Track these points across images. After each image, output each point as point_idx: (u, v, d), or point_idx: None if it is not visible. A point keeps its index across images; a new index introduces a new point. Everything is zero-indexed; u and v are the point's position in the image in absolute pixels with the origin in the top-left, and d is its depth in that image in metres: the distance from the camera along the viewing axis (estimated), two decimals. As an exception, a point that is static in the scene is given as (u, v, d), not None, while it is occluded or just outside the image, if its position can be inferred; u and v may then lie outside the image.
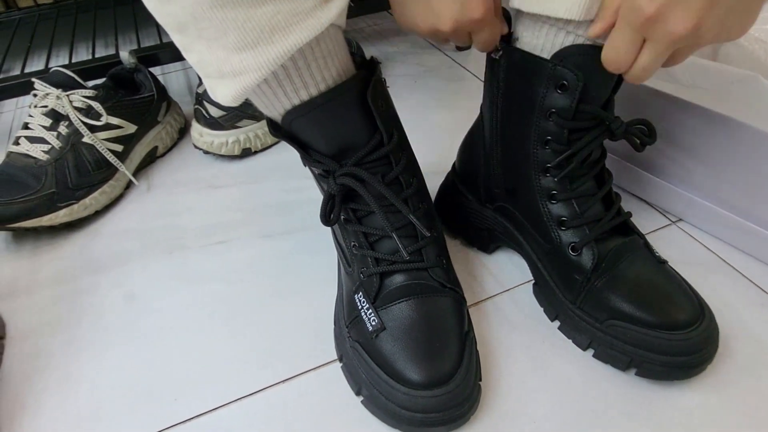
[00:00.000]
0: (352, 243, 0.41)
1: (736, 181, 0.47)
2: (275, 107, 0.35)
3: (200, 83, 0.65)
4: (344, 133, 0.37)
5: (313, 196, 0.56)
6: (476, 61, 0.85)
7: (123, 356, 0.45)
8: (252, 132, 0.65)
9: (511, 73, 0.40)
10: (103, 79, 0.66)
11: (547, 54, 0.37)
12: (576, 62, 0.36)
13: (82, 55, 0.84)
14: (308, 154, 0.38)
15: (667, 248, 0.49)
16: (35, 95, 0.59)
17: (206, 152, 0.65)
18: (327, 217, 0.39)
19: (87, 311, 0.49)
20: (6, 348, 0.47)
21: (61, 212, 0.56)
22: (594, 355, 0.41)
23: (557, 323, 0.43)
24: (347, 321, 0.41)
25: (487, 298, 0.47)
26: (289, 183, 0.62)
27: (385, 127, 0.37)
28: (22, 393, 0.43)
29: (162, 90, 0.68)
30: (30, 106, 0.59)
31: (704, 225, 0.51)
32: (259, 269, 0.51)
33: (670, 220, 0.53)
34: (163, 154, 0.68)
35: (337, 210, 0.39)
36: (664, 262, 0.41)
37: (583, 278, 0.40)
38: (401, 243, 0.39)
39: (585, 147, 0.39)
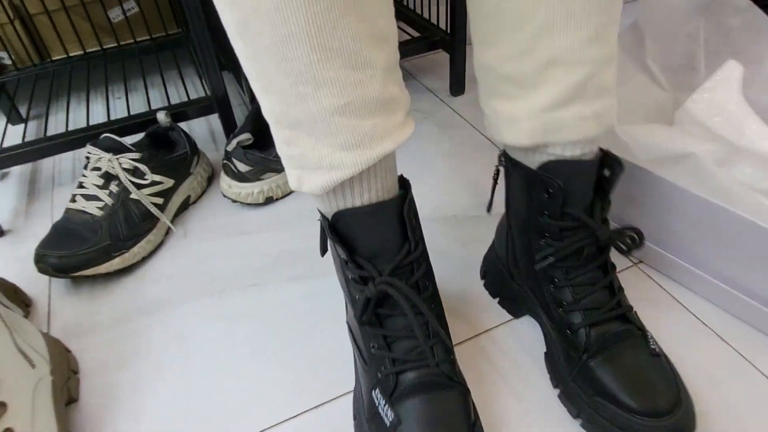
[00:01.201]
0: (372, 344, 0.46)
1: (684, 233, 0.57)
2: (336, 203, 0.42)
3: (228, 142, 0.74)
4: (380, 238, 0.43)
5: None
6: (468, 106, 0.94)
7: (178, 388, 0.54)
8: (274, 183, 0.74)
9: (514, 178, 0.49)
10: (141, 135, 0.75)
11: (536, 165, 0.46)
12: (557, 172, 0.44)
13: (118, 104, 0.92)
14: (350, 255, 0.43)
15: (628, 285, 0.59)
16: (88, 158, 0.68)
17: (234, 201, 0.75)
18: (361, 318, 0.45)
19: (144, 350, 0.58)
20: (81, 381, 0.56)
21: (115, 261, 0.65)
22: (581, 425, 0.48)
23: (558, 391, 0.50)
24: (368, 416, 0.46)
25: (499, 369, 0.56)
26: (308, 230, 0.71)
27: (413, 238, 0.44)
28: (99, 421, 0.52)
29: (193, 145, 0.77)
30: (84, 168, 0.68)
31: (659, 267, 0.61)
32: (289, 310, 0.61)
33: (633, 262, 0.63)
34: (195, 202, 0.78)
35: (369, 312, 0.45)
36: (658, 355, 0.47)
37: (576, 355, 0.47)
38: (432, 344, 0.44)
39: (572, 245, 0.46)
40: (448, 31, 0.92)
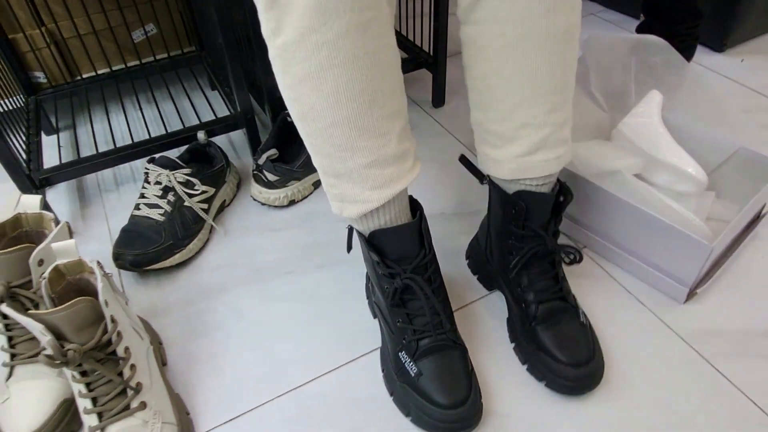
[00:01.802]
0: (397, 320, 0.64)
1: (614, 225, 0.77)
2: (369, 224, 0.60)
3: (259, 156, 0.90)
4: (403, 247, 0.61)
5: (344, 236, 0.83)
6: (448, 117, 1.12)
7: (242, 351, 0.72)
8: (296, 188, 0.91)
9: (494, 196, 0.68)
10: (182, 150, 0.91)
11: (511, 191, 0.64)
12: (522, 198, 0.63)
13: (151, 113, 1.04)
14: (382, 260, 0.61)
15: (577, 267, 0.80)
16: (147, 173, 0.83)
17: (263, 204, 0.91)
18: (390, 302, 0.63)
19: (211, 324, 0.75)
20: (166, 350, 0.73)
21: (176, 256, 0.81)
22: (527, 369, 0.67)
23: (513, 345, 0.70)
24: (395, 370, 0.64)
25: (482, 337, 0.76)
26: (325, 226, 0.89)
27: (427, 245, 0.63)
28: (187, 379, 0.69)
29: (226, 157, 0.93)
30: (145, 182, 0.83)
31: (598, 251, 0.82)
32: (319, 291, 0.79)
33: (579, 248, 0.83)
34: (228, 205, 0.94)
35: (396, 298, 0.63)
36: (584, 325, 0.66)
37: (527, 322, 0.67)
38: (440, 319, 0.63)
39: (530, 250, 0.65)
40: (431, 53, 1.09)
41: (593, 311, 0.74)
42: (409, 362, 0.63)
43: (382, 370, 0.68)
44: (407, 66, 1.11)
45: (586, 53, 0.89)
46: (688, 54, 1.03)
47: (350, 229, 0.65)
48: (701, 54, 1.27)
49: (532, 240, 0.66)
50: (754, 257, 0.80)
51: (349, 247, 0.67)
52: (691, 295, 0.74)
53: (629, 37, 0.89)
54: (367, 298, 0.76)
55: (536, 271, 0.67)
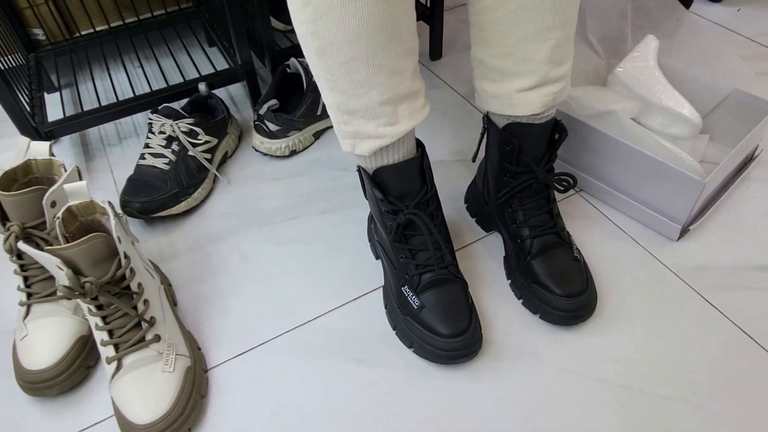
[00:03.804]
0: (400, 256, 0.66)
1: (609, 167, 0.79)
2: (376, 162, 0.62)
3: (260, 106, 0.91)
4: (406, 183, 0.63)
5: (346, 183, 0.85)
6: (445, 69, 1.13)
7: (250, 291, 0.74)
8: (297, 138, 0.93)
9: (490, 135, 0.70)
10: (184, 102, 0.92)
11: (501, 125, 0.67)
12: (513, 132, 0.65)
13: (153, 68, 1.05)
14: (385, 197, 0.63)
15: (572, 206, 0.82)
16: (150, 123, 0.84)
17: (264, 154, 0.93)
18: (394, 238, 0.66)
19: (218, 267, 0.78)
20: (175, 292, 0.75)
21: (182, 204, 0.83)
22: (522, 303, 0.70)
23: (509, 281, 0.73)
24: (398, 304, 0.67)
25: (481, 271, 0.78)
26: (327, 174, 0.91)
27: (429, 182, 0.64)
28: (197, 318, 0.72)
29: (227, 109, 0.94)
30: (149, 132, 0.85)
31: (593, 192, 0.84)
32: (322, 235, 0.81)
33: (575, 190, 0.85)
34: (231, 156, 0.95)
35: (399, 233, 0.65)
36: (578, 260, 0.68)
37: (522, 257, 0.70)
38: (441, 254, 0.65)
39: (522, 183, 0.68)
40: (428, 5, 1.09)
41: (588, 250, 0.76)
42: (412, 296, 0.66)
43: (385, 306, 0.71)
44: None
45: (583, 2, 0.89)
46: (686, 2, 1.03)
47: (359, 171, 0.67)
48: (698, 4, 1.27)
49: (526, 175, 0.68)
50: (744, 196, 0.83)
51: (366, 192, 0.69)
52: (683, 232, 0.76)
53: (626, -17, 0.89)
54: (369, 240, 0.78)
55: (531, 207, 0.69)
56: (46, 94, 1.10)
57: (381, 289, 0.73)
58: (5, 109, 0.85)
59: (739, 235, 0.77)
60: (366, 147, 0.60)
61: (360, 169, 0.66)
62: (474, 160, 0.78)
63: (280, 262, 0.78)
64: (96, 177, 0.94)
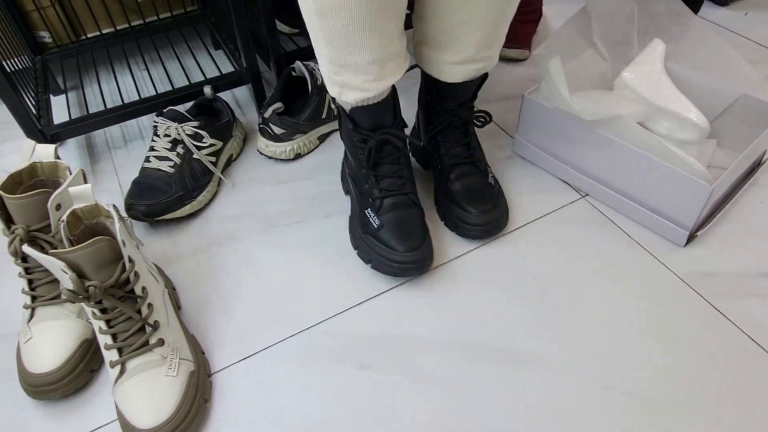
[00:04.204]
0: (367, 182, 0.74)
1: (618, 173, 0.78)
2: (351, 102, 0.67)
3: (265, 109, 0.91)
4: (380, 118, 0.71)
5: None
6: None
7: (253, 296, 0.74)
8: (302, 141, 0.93)
9: (421, 80, 0.80)
10: (189, 105, 0.92)
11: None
12: (438, 83, 0.74)
13: (159, 71, 1.05)
14: (356, 128, 0.71)
15: (579, 213, 0.81)
16: (155, 126, 0.85)
17: (269, 157, 0.93)
18: (366, 164, 0.73)
19: (222, 271, 0.78)
20: (179, 295, 0.75)
21: (186, 207, 0.83)
22: (445, 224, 0.80)
23: (436, 207, 0.83)
24: (360, 225, 0.75)
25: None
26: (331, 177, 0.90)
27: (399, 115, 0.73)
28: (201, 322, 0.72)
29: (232, 112, 0.94)
30: (154, 135, 0.85)
31: (600, 198, 0.83)
32: (326, 239, 0.81)
33: (581, 195, 0.85)
34: (236, 159, 0.95)
35: (371, 159, 0.72)
36: (491, 183, 0.78)
37: (443, 182, 0.79)
38: (403, 181, 0.74)
39: (444, 121, 0.78)
40: None
41: (595, 255, 0.76)
42: (374, 216, 0.74)
43: (350, 231, 0.79)
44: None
45: (589, 3, 0.89)
46: (695, 7, 1.02)
47: (337, 113, 0.75)
48: (705, 8, 1.26)
49: (447, 113, 0.78)
50: (752, 202, 0.82)
51: (342, 130, 0.77)
52: (691, 238, 0.76)
53: (633, -13, 0.88)
54: (341, 179, 0.87)
55: (451, 140, 0.79)
56: (51, 97, 1.11)
57: (386, 293, 0.73)
58: (11, 111, 0.85)
59: (747, 241, 0.77)
60: (352, 97, 0.67)
61: (338, 108, 0.73)
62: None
63: (284, 265, 0.78)
64: (101, 179, 0.94)
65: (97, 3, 1.09)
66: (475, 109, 0.80)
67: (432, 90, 0.78)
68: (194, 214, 0.85)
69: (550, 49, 0.84)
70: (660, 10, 0.89)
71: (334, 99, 0.71)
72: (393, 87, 0.70)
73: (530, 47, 1.17)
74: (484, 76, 0.76)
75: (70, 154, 1.00)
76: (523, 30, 1.15)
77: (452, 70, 0.72)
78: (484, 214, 0.76)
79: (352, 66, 0.63)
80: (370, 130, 0.72)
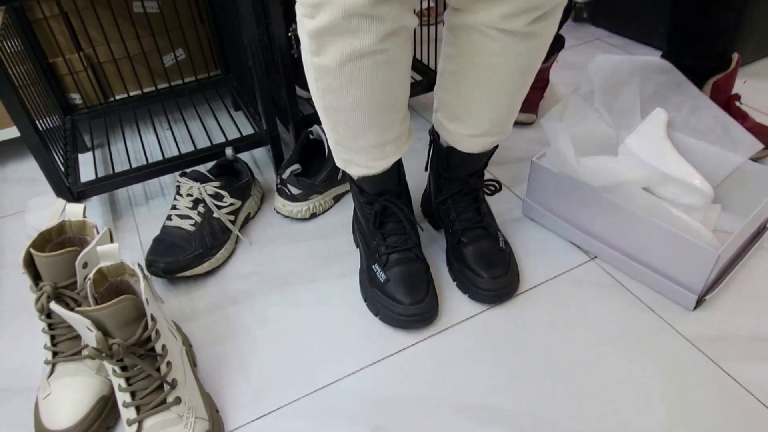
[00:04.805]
0: (375, 239, 0.79)
1: (626, 238, 0.80)
2: (355, 175, 0.74)
3: (283, 170, 0.94)
4: (383, 185, 0.76)
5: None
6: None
7: (269, 353, 0.75)
8: (317, 201, 0.96)
9: (434, 146, 0.84)
10: (211, 164, 0.96)
11: (446, 145, 0.80)
12: (451, 152, 0.79)
13: (181, 130, 1.10)
14: (362, 192, 0.77)
15: (588, 276, 0.83)
16: (179, 185, 0.88)
17: (286, 216, 0.96)
18: (373, 223, 0.78)
19: (238, 328, 0.79)
20: (195, 352, 0.76)
21: (205, 264, 0.85)
22: (456, 285, 0.82)
23: (448, 268, 0.85)
24: (368, 279, 0.79)
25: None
26: (345, 237, 0.93)
27: (402, 181, 0.79)
28: (215, 380, 0.73)
29: (251, 172, 0.98)
30: (177, 194, 0.88)
31: (608, 260, 0.85)
32: (341, 298, 0.82)
33: (590, 257, 0.86)
34: (253, 217, 0.98)
35: (377, 220, 0.78)
36: (502, 248, 0.81)
37: (455, 245, 0.82)
38: (407, 237, 0.79)
39: (455, 187, 0.81)
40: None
41: (604, 319, 0.77)
42: (380, 272, 0.78)
43: (360, 283, 0.83)
44: (420, 88, 1.16)
45: (593, 74, 0.94)
46: (699, 81, 1.06)
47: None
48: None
49: (458, 181, 0.82)
50: (759, 267, 0.83)
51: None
52: (699, 302, 0.77)
53: (634, 59, 0.93)
54: (352, 231, 0.91)
55: (462, 205, 0.83)
56: (79, 154, 1.16)
57: (399, 354, 0.74)
58: (42, 169, 0.89)
59: (756, 305, 0.78)
60: (355, 171, 0.74)
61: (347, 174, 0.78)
62: (426, 170, 0.89)
63: (299, 324, 0.79)
64: (122, 236, 0.97)
65: (126, 68, 1.16)
66: (486, 177, 0.84)
67: (443, 161, 0.82)
68: (212, 272, 0.88)
69: (556, 117, 0.88)
70: (661, 80, 0.93)
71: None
72: (398, 159, 0.75)
73: (537, 112, 1.22)
74: (494, 147, 0.80)
75: (93, 210, 1.04)
76: (532, 96, 1.21)
77: (468, 142, 0.76)
78: (495, 279, 0.77)
79: (355, 149, 0.69)
80: (377, 194, 0.77)
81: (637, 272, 0.82)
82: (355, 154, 0.70)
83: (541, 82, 1.23)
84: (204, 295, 0.84)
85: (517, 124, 1.20)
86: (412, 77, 1.20)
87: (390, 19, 0.55)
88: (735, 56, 1.02)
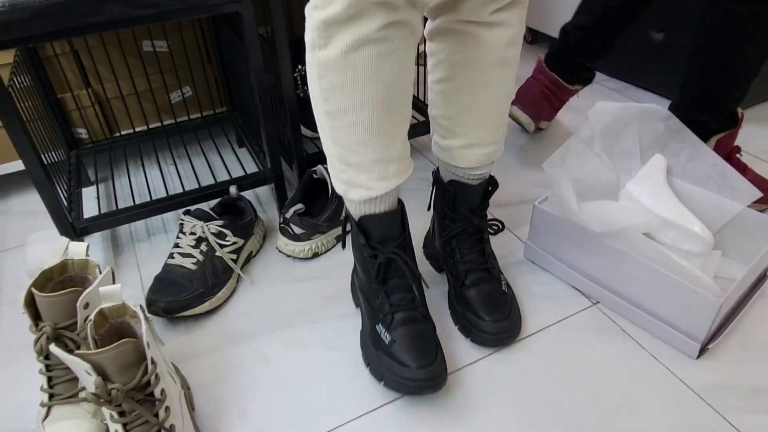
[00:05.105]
0: (377, 297, 0.74)
1: (627, 284, 0.81)
2: (363, 210, 0.71)
3: (286, 210, 0.95)
4: (388, 230, 0.73)
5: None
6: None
7: (268, 397, 0.74)
8: (320, 241, 0.96)
9: (436, 183, 0.85)
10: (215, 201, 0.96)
11: (447, 179, 0.82)
12: (454, 186, 0.80)
13: (185, 165, 1.11)
14: (368, 242, 0.72)
15: (591, 321, 0.83)
16: (182, 224, 0.88)
17: (288, 255, 0.96)
18: (376, 279, 0.73)
19: (237, 370, 0.78)
20: (193, 395, 0.75)
21: (206, 304, 0.85)
22: (458, 329, 0.82)
23: (450, 311, 0.85)
24: (372, 340, 0.74)
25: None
26: (346, 278, 0.93)
27: (407, 230, 0.74)
28: (214, 425, 0.71)
29: (255, 211, 0.98)
30: (180, 232, 0.88)
31: (611, 306, 0.85)
32: (341, 340, 0.82)
33: (592, 302, 0.86)
34: (255, 255, 0.98)
35: (380, 275, 0.73)
36: (505, 291, 0.81)
37: (458, 287, 0.81)
38: (413, 295, 0.74)
39: (459, 227, 0.81)
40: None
41: (606, 365, 0.76)
42: (384, 332, 0.73)
43: (361, 346, 0.78)
44: (422, 128, 1.18)
45: (593, 119, 0.95)
46: (704, 135, 1.07)
47: (344, 224, 0.80)
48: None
49: (462, 220, 0.81)
50: (761, 315, 0.83)
51: (344, 244, 0.86)
52: (702, 350, 0.76)
53: (634, 106, 0.95)
54: (351, 291, 0.88)
55: (466, 246, 0.82)
56: (82, 188, 1.16)
57: (400, 400, 0.73)
58: (45, 205, 0.89)
59: (759, 354, 0.77)
60: (356, 194, 0.69)
61: (348, 216, 0.75)
62: (429, 209, 0.90)
63: (301, 367, 0.78)
64: (123, 272, 0.97)
65: (133, 104, 1.17)
66: (489, 217, 0.84)
67: (446, 197, 0.82)
68: (213, 311, 0.87)
69: (558, 161, 0.89)
70: (660, 127, 0.95)
71: (347, 216, 0.76)
72: (401, 202, 0.74)
73: (538, 123, 1.25)
74: (494, 185, 0.82)
75: (95, 245, 1.04)
76: (543, 107, 1.23)
77: (463, 155, 0.77)
78: (497, 323, 0.77)
79: (356, 165, 0.67)
80: (380, 242, 0.73)
81: (640, 319, 0.82)
82: (357, 172, 0.67)
83: (559, 103, 1.25)
84: (204, 335, 0.84)
85: (515, 121, 1.26)
86: (414, 118, 1.22)
87: (398, 9, 0.58)
88: (740, 113, 1.04)
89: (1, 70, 0.99)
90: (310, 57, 0.62)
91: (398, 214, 0.73)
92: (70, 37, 0.74)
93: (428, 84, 0.78)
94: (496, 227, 0.84)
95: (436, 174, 0.84)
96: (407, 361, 0.69)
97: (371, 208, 0.71)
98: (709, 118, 1.02)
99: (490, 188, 0.82)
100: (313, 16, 0.59)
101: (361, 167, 0.67)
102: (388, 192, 0.69)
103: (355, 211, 0.72)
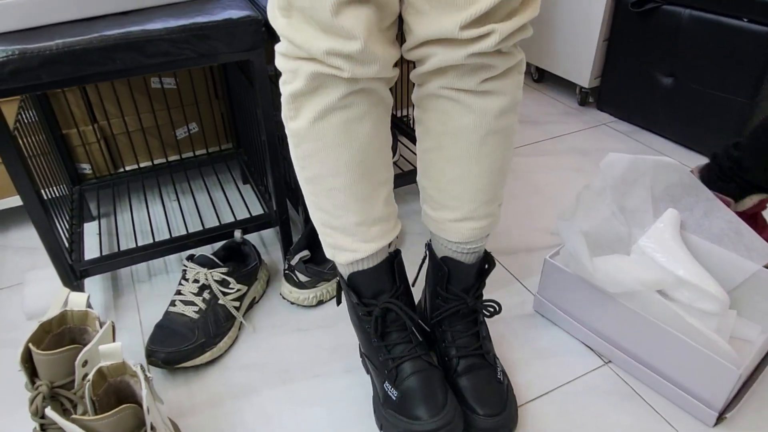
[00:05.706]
0: (380, 355, 0.73)
1: (642, 346, 0.78)
2: (351, 268, 0.70)
3: (291, 256, 0.93)
4: (378, 284, 0.71)
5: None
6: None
7: (271, 460, 0.71)
8: (325, 289, 0.94)
9: (429, 260, 0.78)
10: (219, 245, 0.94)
11: (440, 256, 0.75)
12: (447, 263, 0.74)
13: (188, 202, 1.09)
14: (360, 300, 0.71)
15: (603, 382, 0.80)
16: (185, 270, 0.86)
17: (292, 303, 0.94)
18: (375, 334, 0.72)
19: (239, 427, 0.75)
20: (192, 455, 0.72)
21: (206, 354, 0.83)
22: None
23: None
24: (382, 400, 0.72)
25: (494, 418, 0.76)
26: (351, 328, 0.90)
27: (400, 280, 0.73)
28: (212, 486, 0.69)
29: (259, 255, 0.96)
30: (182, 278, 0.86)
31: (623, 366, 0.82)
32: (345, 397, 0.79)
33: (604, 362, 0.84)
34: (258, 301, 0.96)
35: (379, 329, 0.71)
36: (501, 382, 0.74)
37: (450, 374, 0.75)
38: (414, 345, 0.72)
39: (452, 307, 0.75)
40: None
41: (619, 429, 0.74)
42: (391, 389, 0.71)
43: (374, 412, 0.75)
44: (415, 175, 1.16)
45: (605, 170, 0.94)
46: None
47: (339, 285, 0.76)
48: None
49: (455, 300, 0.76)
50: (779, 380, 0.81)
51: (339, 302, 0.79)
52: (720, 419, 0.74)
53: (646, 158, 0.94)
54: (360, 357, 0.83)
55: (459, 329, 0.76)
56: (84, 223, 1.14)
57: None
58: (44, 245, 0.87)
59: (777, 423, 0.75)
60: (343, 258, 0.69)
61: (340, 278, 0.74)
62: (413, 285, 0.82)
63: (302, 425, 0.75)
64: (122, 315, 0.94)
65: (139, 140, 1.16)
66: (484, 297, 0.78)
67: (438, 268, 0.75)
68: (213, 361, 0.85)
69: (570, 215, 0.88)
70: (673, 180, 0.94)
71: (338, 283, 0.75)
72: (391, 255, 0.72)
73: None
74: (491, 264, 0.76)
75: (94, 286, 1.01)
76: None
77: (455, 228, 0.71)
78: (491, 417, 0.71)
79: (340, 228, 0.68)
80: (373, 297, 0.71)
81: (653, 381, 0.79)
82: (341, 235, 0.68)
83: None
84: (204, 387, 0.81)
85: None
86: (410, 164, 1.21)
87: (358, 81, 0.58)
88: None
89: (7, 105, 0.98)
90: (286, 128, 0.64)
91: (386, 268, 0.72)
92: (78, 84, 0.73)
93: (417, 153, 0.73)
94: (492, 309, 0.77)
95: (429, 248, 0.78)
96: (418, 414, 0.68)
97: (359, 266, 0.71)
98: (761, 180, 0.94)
99: (486, 267, 0.76)
100: (283, 91, 0.62)
101: (345, 230, 0.68)
102: (375, 252, 0.69)
103: (344, 270, 0.72)
